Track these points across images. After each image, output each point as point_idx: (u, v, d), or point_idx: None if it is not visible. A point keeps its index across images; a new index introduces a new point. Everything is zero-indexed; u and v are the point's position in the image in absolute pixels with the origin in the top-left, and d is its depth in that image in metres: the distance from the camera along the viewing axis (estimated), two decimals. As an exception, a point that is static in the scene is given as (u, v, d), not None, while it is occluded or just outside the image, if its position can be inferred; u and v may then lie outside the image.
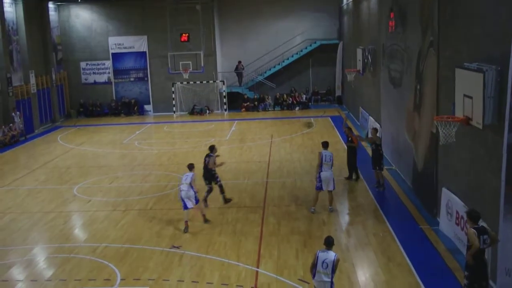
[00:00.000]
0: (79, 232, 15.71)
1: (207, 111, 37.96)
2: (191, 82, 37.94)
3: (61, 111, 37.81)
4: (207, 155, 16.84)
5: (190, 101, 38.31)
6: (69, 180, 21.44)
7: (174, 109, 38.29)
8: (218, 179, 16.87)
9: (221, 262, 13.07)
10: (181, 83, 38.10)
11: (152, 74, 38.80)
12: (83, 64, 39.01)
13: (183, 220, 15.37)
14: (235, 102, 39.05)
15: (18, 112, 31.17)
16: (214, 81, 38.15)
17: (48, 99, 35.93)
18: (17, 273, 13.19)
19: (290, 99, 38.40)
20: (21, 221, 16.73)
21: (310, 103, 39.28)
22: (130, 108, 38.62)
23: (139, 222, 16.13)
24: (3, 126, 29.60)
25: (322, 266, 9.64)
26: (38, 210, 17.79)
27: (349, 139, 19.46)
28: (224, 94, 38.33)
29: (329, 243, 9.86)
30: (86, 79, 39.24)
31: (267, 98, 38.78)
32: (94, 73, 39.11)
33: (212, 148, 17.04)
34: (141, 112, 38.93)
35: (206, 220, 15.66)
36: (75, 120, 37.49)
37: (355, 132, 21.64)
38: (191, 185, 14.98)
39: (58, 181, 21.55)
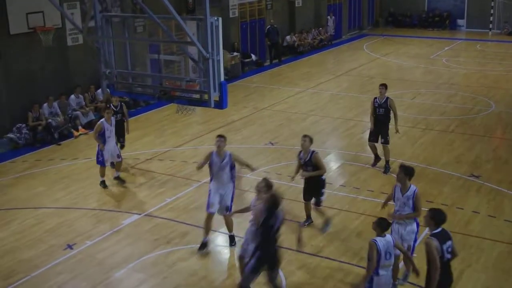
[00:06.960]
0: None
1: (531, 32, 35.52)
2: (517, -3, 35.70)
3: (370, 19, 39.25)
4: None
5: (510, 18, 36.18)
6: (371, 90, 22.62)
7: (490, 26, 36.66)
8: None
9: (526, 201, 12.80)
10: (504, -3, 36.11)
11: (473, -16, 37.43)
12: (396, -32, 39.41)
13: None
14: None
15: (333, 17, 33.59)
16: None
17: (358, 5, 37.55)
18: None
19: None
20: (322, 124, 18.66)
21: None
22: (441, 22, 38.10)
23: (439, 144, 16.64)
24: (313, 29, 32.09)
25: None
26: (339, 116, 19.47)
27: None
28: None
29: None
30: (399, -14, 39.62)
31: None
32: (409, -21, 39.24)
33: None
34: (453, 26, 38.15)
35: None
36: (382, 29, 38.51)
37: None
38: None
39: (360, 89, 23.03)
